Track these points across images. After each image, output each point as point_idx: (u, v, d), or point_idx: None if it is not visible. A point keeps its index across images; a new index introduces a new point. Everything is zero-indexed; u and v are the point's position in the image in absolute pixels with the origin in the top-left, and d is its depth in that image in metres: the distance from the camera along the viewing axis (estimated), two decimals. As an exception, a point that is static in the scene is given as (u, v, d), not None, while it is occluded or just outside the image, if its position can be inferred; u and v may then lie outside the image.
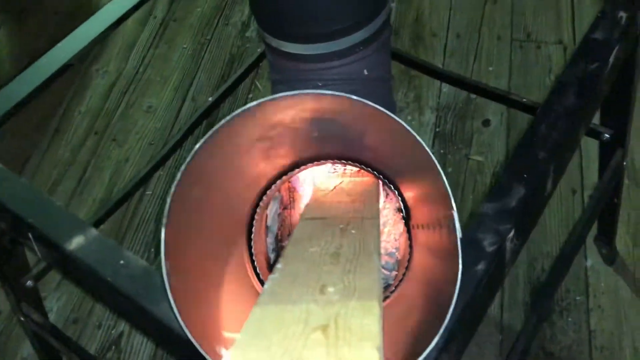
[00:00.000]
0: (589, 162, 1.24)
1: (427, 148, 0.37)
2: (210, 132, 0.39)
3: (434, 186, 0.38)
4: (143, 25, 1.61)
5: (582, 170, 1.25)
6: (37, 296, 0.82)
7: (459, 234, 0.36)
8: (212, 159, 0.41)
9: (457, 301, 0.40)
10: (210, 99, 1.09)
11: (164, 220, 0.38)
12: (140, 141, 1.39)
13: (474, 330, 0.50)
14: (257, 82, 1.46)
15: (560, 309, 1.08)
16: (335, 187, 0.65)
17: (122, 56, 1.55)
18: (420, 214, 0.49)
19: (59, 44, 0.81)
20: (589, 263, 1.13)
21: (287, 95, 0.40)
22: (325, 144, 0.56)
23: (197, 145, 0.39)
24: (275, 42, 0.75)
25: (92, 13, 0.86)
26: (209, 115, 1.16)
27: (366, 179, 0.68)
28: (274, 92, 0.83)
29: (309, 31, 0.72)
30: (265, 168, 0.57)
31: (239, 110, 0.40)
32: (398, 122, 0.38)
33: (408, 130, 0.38)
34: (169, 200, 0.38)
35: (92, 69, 1.54)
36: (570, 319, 1.07)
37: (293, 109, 0.42)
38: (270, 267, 0.66)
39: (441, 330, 0.38)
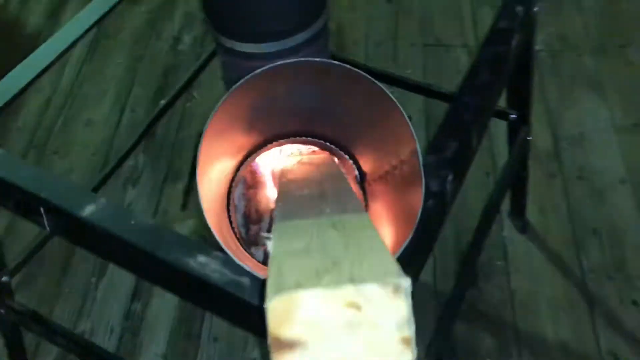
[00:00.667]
0: (499, 149, 1.43)
1: (389, 93, 0.49)
2: (230, 91, 0.50)
3: (394, 132, 0.51)
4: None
5: (494, 155, 1.43)
6: (11, 290, 0.87)
7: (421, 160, 0.49)
8: (225, 117, 0.51)
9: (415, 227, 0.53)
10: (162, 102, 1.18)
11: (199, 150, 0.49)
12: (82, 153, 1.44)
13: (426, 259, 0.63)
14: (194, 94, 1.55)
15: (485, 274, 1.24)
16: (297, 162, 0.77)
17: (56, 73, 1.60)
18: (377, 168, 0.62)
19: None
20: (505, 234, 1.30)
21: (290, 62, 0.51)
22: (295, 119, 0.68)
23: (223, 99, 0.50)
24: (230, 43, 0.86)
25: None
26: (150, 128, 1.23)
27: (322, 155, 0.80)
28: (228, 89, 0.93)
29: (262, 32, 0.83)
30: (245, 142, 0.68)
31: (249, 76, 0.50)
32: (375, 83, 0.50)
33: (375, 83, 0.50)
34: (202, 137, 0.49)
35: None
36: (494, 281, 1.23)
37: (289, 78, 0.53)
38: (241, 240, 0.77)
39: (406, 242, 0.51)
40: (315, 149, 0.80)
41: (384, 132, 0.54)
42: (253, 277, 0.54)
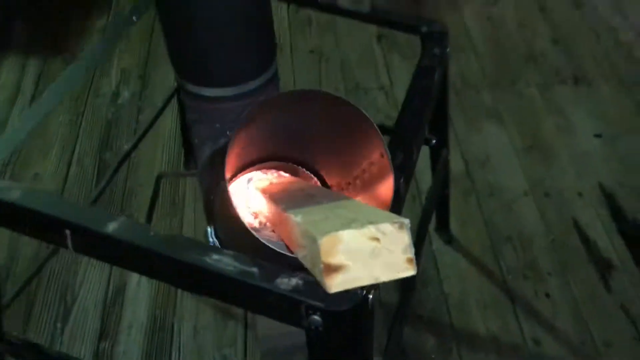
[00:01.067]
0: (421, 176, 1.64)
1: (360, 108, 0.66)
2: (251, 108, 0.64)
3: (363, 140, 0.68)
4: (12, 104, 1.74)
5: (417, 182, 1.64)
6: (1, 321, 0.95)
7: (390, 157, 0.66)
8: (241, 135, 0.66)
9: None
10: (125, 146, 1.29)
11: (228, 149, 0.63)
12: (33, 206, 1.50)
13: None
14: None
15: (421, 283, 1.43)
16: (269, 184, 0.92)
17: (-4, 133, 1.66)
18: (345, 176, 0.78)
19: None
20: (434, 246, 1.50)
21: (298, 91, 0.66)
22: (266, 146, 0.83)
23: (235, 132, 0.64)
24: (196, 89, 1.00)
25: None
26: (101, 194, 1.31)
27: (287, 177, 0.96)
28: (194, 130, 1.07)
29: (226, 78, 0.99)
30: (234, 164, 0.82)
31: (257, 105, 0.65)
32: (348, 102, 0.66)
33: (348, 102, 0.66)
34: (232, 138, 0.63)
35: (-35, 147, 1.62)
36: (429, 289, 1.42)
37: (278, 108, 0.69)
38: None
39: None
40: (278, 173, 0.95)
41: (353, 143, 0.71)
42: (261, 266, 0.68)
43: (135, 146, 1.26)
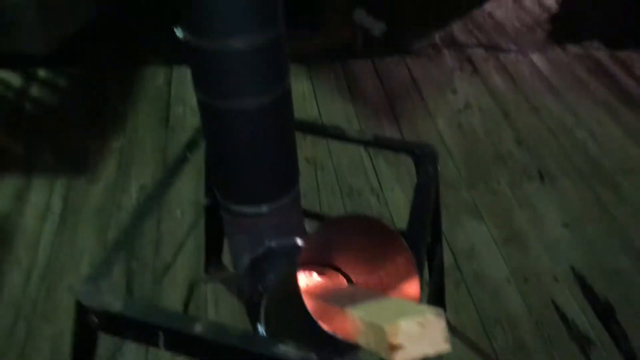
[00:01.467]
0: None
1: (391, 227, 0.89)
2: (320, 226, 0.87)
3: (390, 248, 0.91)
4: (43, 220, 1.94)
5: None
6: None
7: (414, 260, 0.89)
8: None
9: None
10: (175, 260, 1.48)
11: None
12: (70, 316, 1.67)
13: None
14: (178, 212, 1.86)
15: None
16: (307, 285, 1.13)
17: (30, 249, 1.85)
18: (370, 274, 1.00)
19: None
20: (433, 332, 1.70)
21: (348, 216, 0.90)
22: (308, 253, 1.06)
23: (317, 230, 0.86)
24: (237, 207, 1.23)
25: None
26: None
27: (321, 281, 1.17)
28: (233, 241, 1.29)
29: (263, 198, 1.22)
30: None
31: (322, 226, 0.88)
32: (383, 223, 0.90)
33: (383, 223, 0.90)
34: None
35: (2, 266, 1.79)
36: (433, 371, 1.61)
37: (340, 229, 0.91)
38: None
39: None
40: (309, 274, 1.17)
41: (379, 250, 0.94)
42: (317, 353, 0.88)
43: (174, 260, 1.46)
